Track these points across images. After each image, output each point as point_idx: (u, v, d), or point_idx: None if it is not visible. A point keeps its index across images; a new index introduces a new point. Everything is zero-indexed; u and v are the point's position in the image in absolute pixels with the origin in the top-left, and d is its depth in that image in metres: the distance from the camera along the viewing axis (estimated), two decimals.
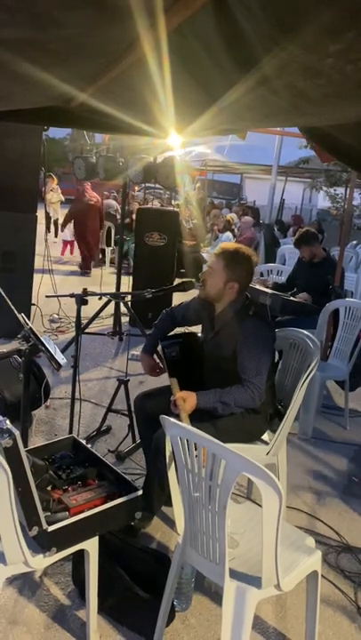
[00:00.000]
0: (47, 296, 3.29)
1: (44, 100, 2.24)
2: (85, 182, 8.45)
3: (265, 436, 2.46)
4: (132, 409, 2.67)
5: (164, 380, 2.55)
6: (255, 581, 1.60)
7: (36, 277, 4.98)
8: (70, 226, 9.44)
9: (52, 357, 2.18)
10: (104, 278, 6.22)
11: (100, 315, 4.95)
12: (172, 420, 1.67)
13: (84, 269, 8.87)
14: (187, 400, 2.14)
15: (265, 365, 2.26)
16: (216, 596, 2.08)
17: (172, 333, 2.68)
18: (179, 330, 2.73)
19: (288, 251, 7.50)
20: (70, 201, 10.57)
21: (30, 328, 2.31)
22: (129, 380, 3.18)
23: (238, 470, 1.48)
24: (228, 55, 1.20)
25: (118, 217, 9.07)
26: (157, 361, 2.63)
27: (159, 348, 2.62)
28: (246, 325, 2.29)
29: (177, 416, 2.03)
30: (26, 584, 2.09)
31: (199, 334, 2.61)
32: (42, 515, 1.62)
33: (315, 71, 1.09)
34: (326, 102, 1.29)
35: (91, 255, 8.99)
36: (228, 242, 8.46)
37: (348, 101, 1.25)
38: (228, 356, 2.31)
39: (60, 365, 2.21)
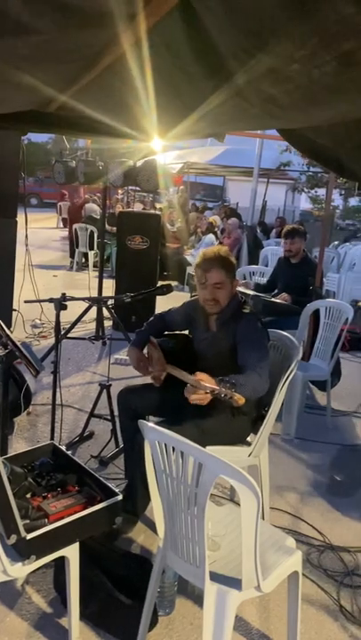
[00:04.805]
0: (26, 301, 3.27)
1: (22, 105, 2.23)
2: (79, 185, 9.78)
3: (248, 438, 2.46)
4: (116, 406, 2.61)
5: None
6: (236, 583, 1.60)
7: (18, 282, 4.94)
8: None
9: (29, 364, 2.17)
10: (88, 282, 6.19)
11: (84, 319, 4.93)
12: (150, 424, 1.66)
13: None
14: (205, 378, 2.05)
15: (266, 357, 2.27)
16: (199, 599, 2.07)
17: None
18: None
19: (271, 252, 7.54)
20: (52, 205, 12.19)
21: (7, 334, 2.29)
22: (111, 385, 3.17)
23: (216, 473, 1.48)
24: (197, 63, 1.21)
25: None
26: (146, 356, 2.55)
27: (147, 349, 2.57)
28: (245, 321, 2.33)
29: (179, 410, 2.01)
30: (6, 593, 2.07)
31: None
32: (20, 523, 1.60)
33: (283, 77, 1.10)
34: (296, 107, 1.31)
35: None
36: (209, 246, 8.48)
37: (317, 105, 1.27)
38: (226, 352, 2.32)
39: (37, 371, 2.20)
